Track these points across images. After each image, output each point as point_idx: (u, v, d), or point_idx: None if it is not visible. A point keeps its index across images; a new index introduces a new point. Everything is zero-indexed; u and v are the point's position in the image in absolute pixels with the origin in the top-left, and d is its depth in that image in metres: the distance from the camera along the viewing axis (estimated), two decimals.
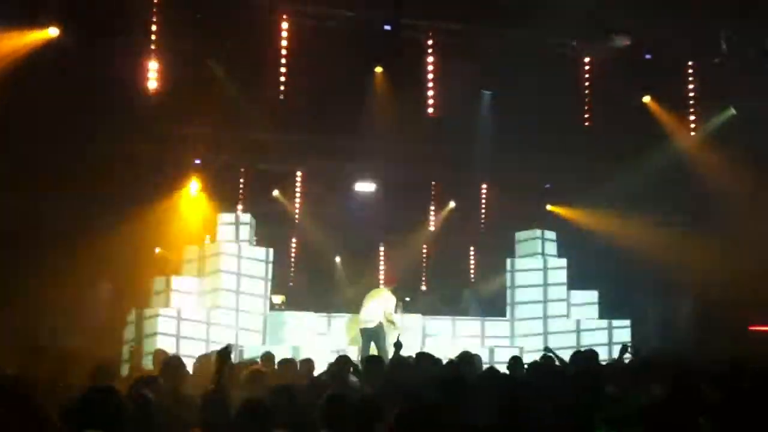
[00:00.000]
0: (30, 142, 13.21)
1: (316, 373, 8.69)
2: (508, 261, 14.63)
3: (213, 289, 13.21)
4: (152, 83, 13.25)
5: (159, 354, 9.35)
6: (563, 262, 14.41)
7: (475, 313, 15.39)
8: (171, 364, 7.01)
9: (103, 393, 4.51)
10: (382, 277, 20.76)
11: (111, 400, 4.42)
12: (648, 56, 14.77)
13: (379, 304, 12.54)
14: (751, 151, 14.37)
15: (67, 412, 4.59)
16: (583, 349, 10.52)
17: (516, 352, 13.04)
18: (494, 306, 15.56)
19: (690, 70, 15.40)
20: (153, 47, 13.12)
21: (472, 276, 20.44)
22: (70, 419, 4.43)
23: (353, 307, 13.48)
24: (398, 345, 8.95)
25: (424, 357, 9.00)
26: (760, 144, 14.17)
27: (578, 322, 13.95)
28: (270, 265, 13.72)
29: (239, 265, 13.36)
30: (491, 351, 13.36)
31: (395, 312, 13.50)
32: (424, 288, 20.87)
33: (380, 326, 12.44)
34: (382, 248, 21.05)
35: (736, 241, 14.38)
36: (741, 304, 14.62)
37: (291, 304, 15.87)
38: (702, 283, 15.06)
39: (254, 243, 14.14)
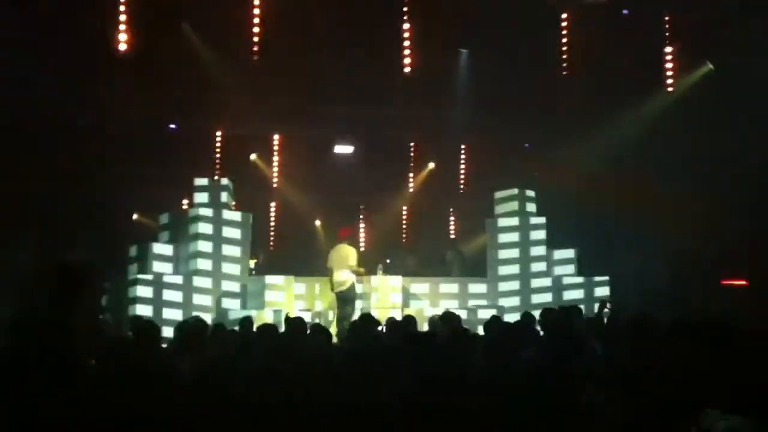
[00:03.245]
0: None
1: None
2: (488, 221, 14.62)
3: (191, 254, 13.12)
4: (123, 46, 13.00)
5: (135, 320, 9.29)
6: (542, 220, 14.41)
7: (459, 273, 15.41)
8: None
9: None
10: (362, 239, 20.83)
11: None
12: (625, 12, 14.68)
13: (344, 263, 12.41)
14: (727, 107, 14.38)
15: None
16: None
17: (495, 311, 13.20)
18: (476, 266, 15.59)
19: (667, 26, 15.32)
20: (123, 8, 12.86)
21: (453, 236, 20.43)
22: None
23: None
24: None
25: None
26: (737, 100, 14.17)
27: (557, 279, 14.02)
28: (249, 230, 13.64)
29: (217, 230, 13.26)
30: (472, 311, 13.42)
31: (378, 272, 13.54)
32: (401, 249, 20.85)
33: (352, 287, 12.36)
34: (362, 210, 20.99)
35: (712, 197, 14.44)
36: (714, 258, 14.75)
37: (271, 268, 15.81)
38: (676, 238, 15.15)
39: (232, 207, 14.03)
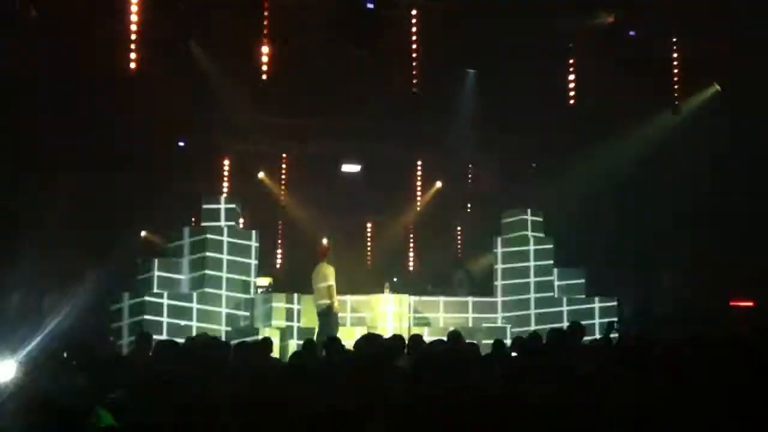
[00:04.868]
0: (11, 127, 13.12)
1: None
2: (495, 240, 14.65)
3: (199, 271, 13.16)
4: (132, 65, 13.10)
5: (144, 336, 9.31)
6: (550, 241, 14.45)
7: (467, 293, 15.43)
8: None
9: None
10: (369, 257, 20.86)
11: None
12: (632, 33, 14.73)
13: (323, 281, 12.57)
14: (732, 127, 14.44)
15: None
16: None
17: (503, 331, 13.21)
18: (483, 285, 15.60)
19: (674, 47, 15.37)
20: (133, 28, 12.97)
21: (460, 255, 20.44)
22: None
23: (337, 287, 13.43)
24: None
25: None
26: (744, 121, 14.22)
27: (564, 300, 14.00)
28: (256, 247, 13.69)
29: (225, 247, 13.31)
30: (479, 329, 13.43)
31: (385, 291, 13.64)
32: (411, 268, 20.87)
33: (329, 306, 12.48)
34: (369, 228, 21.03)
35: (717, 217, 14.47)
36: (722, 279, 14.73)
37: (278, 286, 15.85)
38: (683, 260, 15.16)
39: (240, 225, 14.09)
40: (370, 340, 8.13)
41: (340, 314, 12.87)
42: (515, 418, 4.77)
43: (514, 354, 8.24)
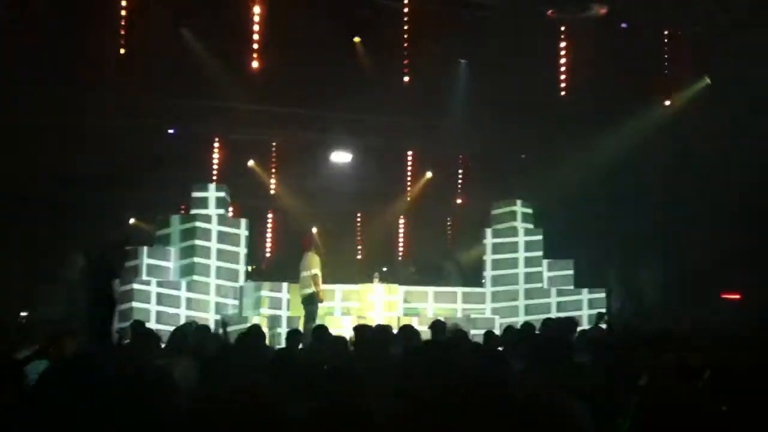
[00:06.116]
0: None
1: None
2: (485, 231, 14.65)
3: (188, 259, 13.12)
4: (123, 50, 13.03)
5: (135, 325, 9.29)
6: (539, 232, 14.47)
7: (456, 283, 15.46)
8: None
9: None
10: (359, 247, 20.86)
11: None
12: (624, 25, 14.75)
13: (308, 271, 12.72)
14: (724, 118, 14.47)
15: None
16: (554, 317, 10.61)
17: (492, 322, 13.23)
18: (472, 276, 15.63)
19: (666, 39, 15.39)
20: (124, 13, 12.89)
21: (450, 245, 20.45)
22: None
23: (327, 277, 13.46)
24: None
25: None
26: (734, 114, 14.26)
27: (554, 291, 14.03)
28: (245, 236, 13.66)
29: (214, 235, 13.27)
30: (468, 320, 13.44)
31: (374, 281, 13.68)
32: (401, 258, 20.88)
33: (312, 294, 12.60)
34: (359, 218, 21.02)
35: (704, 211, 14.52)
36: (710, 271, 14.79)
37: (265, 275, 15.82)
38: (672, 251, 15.21)
39: (230, 213, 14.04)
40: (361, 329, 8.15)
41: (326, 303, 12.96)
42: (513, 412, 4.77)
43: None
